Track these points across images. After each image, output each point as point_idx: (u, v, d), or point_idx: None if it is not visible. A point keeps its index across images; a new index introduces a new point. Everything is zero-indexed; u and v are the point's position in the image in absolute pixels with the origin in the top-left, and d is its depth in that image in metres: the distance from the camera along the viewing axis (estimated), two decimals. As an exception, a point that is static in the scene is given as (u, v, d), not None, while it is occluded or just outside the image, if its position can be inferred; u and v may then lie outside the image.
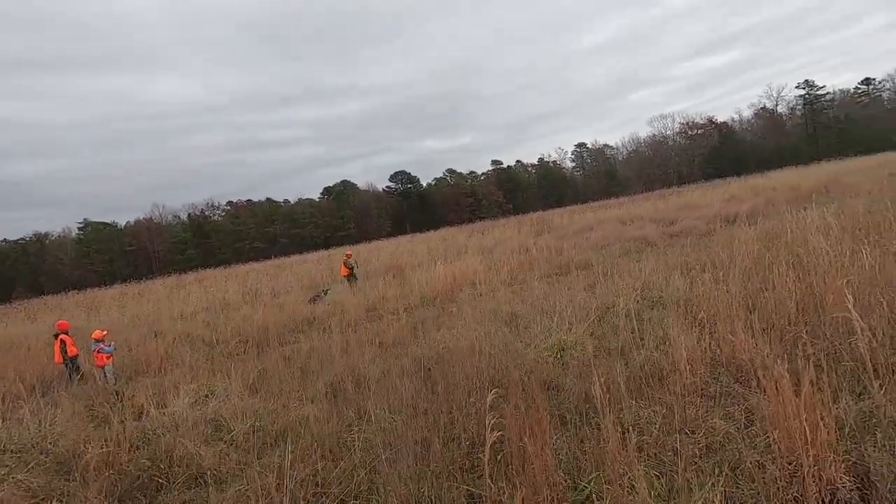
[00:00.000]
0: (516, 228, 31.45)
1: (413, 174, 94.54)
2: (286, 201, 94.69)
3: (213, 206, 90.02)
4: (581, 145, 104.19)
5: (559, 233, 25.01)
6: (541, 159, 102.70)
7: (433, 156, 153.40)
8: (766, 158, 65.69)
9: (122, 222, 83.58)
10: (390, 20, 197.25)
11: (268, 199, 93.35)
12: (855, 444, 2.65)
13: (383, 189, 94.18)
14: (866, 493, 2.32)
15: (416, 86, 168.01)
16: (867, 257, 5.04)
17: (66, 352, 8.87)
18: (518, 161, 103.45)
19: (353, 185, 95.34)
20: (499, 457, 3.00)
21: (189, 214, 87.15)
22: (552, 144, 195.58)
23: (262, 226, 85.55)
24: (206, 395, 6.15)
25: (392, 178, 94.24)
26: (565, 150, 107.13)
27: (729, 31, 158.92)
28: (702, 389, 3.60)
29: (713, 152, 79.06)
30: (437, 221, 73.87)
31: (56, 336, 9.08)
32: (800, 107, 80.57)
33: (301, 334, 10.08)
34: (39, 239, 77.56)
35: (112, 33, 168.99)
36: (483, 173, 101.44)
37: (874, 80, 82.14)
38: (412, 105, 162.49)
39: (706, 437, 2.94)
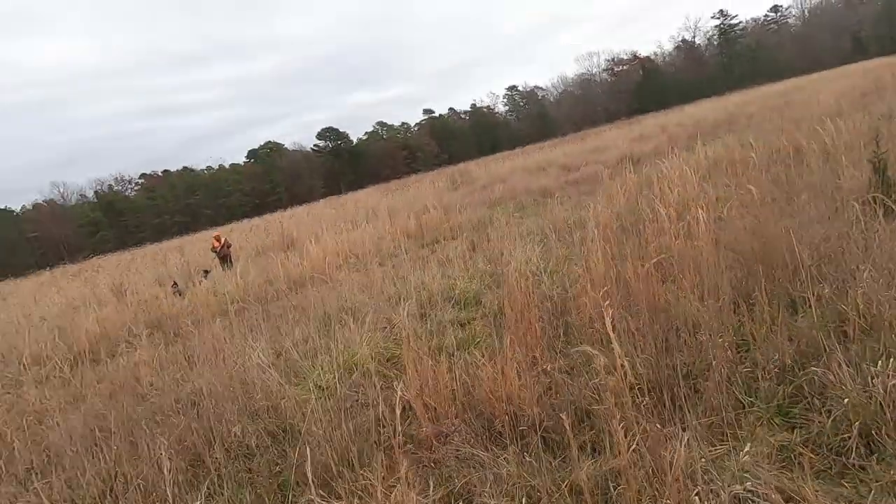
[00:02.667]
0: (435, 183, 30.16)
1: (342, 130, 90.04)
2: (209, 168, 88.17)
3: (123, 180, 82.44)
4: (512, 88, 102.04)
5: (473, 186, 24.04)
6: (473, 105, 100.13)
7: (363, 110, 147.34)
8: (685, 91, 66.51)
9: (16, 207, 75.61)
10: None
11: (185, 168, 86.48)
12: None
13: (311, 148, 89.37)
14: None
15: (338, 35, 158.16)
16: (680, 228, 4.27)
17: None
18: (451, 109, 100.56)
19: (281, 147, 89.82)
20: None
21: (96, 192, 79.51)
22: (486, 90, 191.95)
23: (182, 198, 79.47)
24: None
25: (319, 135, 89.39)
26: (497, 94, 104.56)
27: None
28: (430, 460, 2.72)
29: (638, 88, 79.73)
30: (373, 178, 70.81)
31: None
32: (716, 37, 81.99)
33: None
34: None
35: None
36: (416, 124, 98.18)
37: (781, 7, 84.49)
38: (335, 57, 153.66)
39: None
